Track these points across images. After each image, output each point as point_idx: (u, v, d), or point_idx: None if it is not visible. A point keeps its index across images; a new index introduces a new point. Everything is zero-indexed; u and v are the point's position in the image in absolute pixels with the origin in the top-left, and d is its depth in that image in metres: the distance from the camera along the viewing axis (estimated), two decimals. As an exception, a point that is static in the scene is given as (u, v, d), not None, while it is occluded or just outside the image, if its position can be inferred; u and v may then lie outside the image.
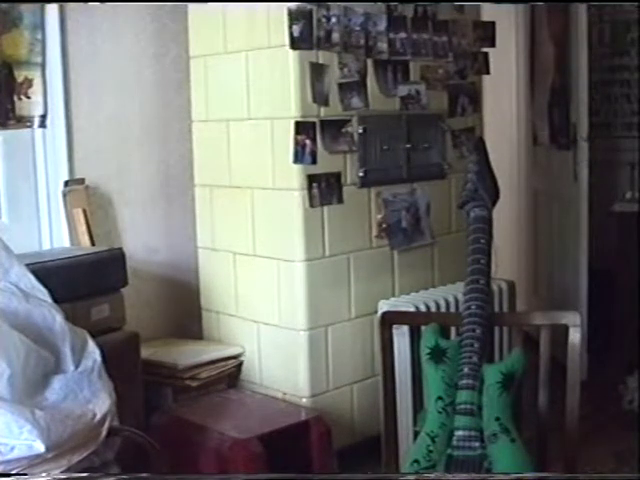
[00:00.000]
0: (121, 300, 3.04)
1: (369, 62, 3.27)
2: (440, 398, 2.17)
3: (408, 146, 3.40)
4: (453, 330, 2.44)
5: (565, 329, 2.28)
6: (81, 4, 3.24)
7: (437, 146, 3.53)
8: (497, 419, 2.11)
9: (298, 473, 2.86)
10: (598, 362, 4.28)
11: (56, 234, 3.27)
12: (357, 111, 3.24)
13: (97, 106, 3.34)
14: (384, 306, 3.23)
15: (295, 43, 3.05)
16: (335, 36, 3.14)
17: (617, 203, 4.83)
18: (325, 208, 3.19)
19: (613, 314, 4.52)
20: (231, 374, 3.39)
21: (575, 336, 2.26)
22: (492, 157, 2.44)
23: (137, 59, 3.45)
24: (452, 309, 3.26)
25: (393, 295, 3.39)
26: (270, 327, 3.31)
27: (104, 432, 2.23)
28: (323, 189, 3.16)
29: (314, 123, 3.12)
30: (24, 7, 3.09)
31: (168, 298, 3.58)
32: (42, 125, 3.20)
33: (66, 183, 3.24)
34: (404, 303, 3.26)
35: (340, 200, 3.22)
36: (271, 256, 3.26)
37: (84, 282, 2.90)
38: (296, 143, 3.09)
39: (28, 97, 3.14)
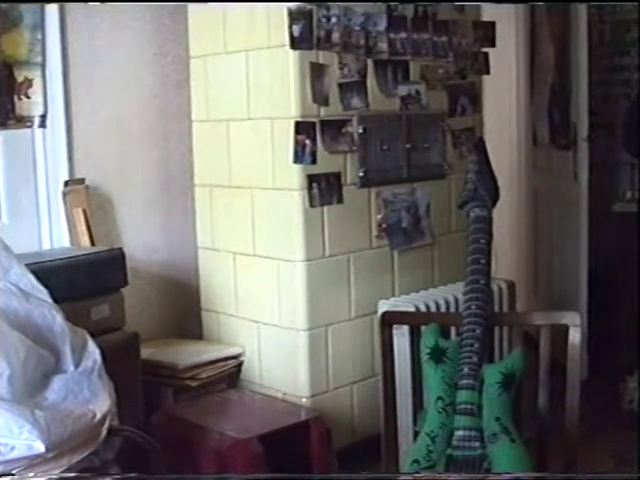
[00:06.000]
0: (121, 300, 3.04)
1: (369, 62, 3.27)
2: (440, 398, 2.17)
3: (408, 146, 3.40)
4: (453, 330, 2.44)
5: (565, 329, 2.28)
6: (81, 4, 3.24)
7: (437, 146, 3.53)
8: (497, 419, 2.11)
9: (298, 473, 2.86)
10: (598, 362, 4.28)
11: (56, 234, 3.27)
12: (357, 111, 3.24)
13: (97, 106, 3.34)
14: (384, 306, 3.23)
15: (295, 43, 3.05)
16: (335, 36, 3.14)
17: (617, 203, 4.84)
18: (325, 208, 3.19)
19: (613, 314, 4.53)
20: (231, 374, 3.39)
21: (575, 336, 2.26)
22: (492, 157, 2.44)
23: (137, 59, 3.45)
24: (452, 309, 3.26)
25: (393, 295, 3.39)
26: (270, 327, 3.31)
27: (104, 432, 2.23)
28: (323, 189, 3.16)
29: (314, 123, 3.12)
30: (24, 7, 3.09)
31: (168, 298, 3.58)
32: (42, 125, 3.20)
33: (66, 183, 3.24)
34: (404, 303, 3.26)
35: (340, 200, 3.22)
36: (271, 256, 3.26)
37: (84, 282, 2.90)
38: (296, 143, 3.09)
39: (28, 97, 3.14)
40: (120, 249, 3.13)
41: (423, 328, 2.31)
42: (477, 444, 2.10)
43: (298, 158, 3.10)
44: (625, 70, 5.40)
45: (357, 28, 3.21)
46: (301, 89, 3.08)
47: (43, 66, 3.17)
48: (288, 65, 3.08)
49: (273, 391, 3.31)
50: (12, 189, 3.22)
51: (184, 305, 3.62)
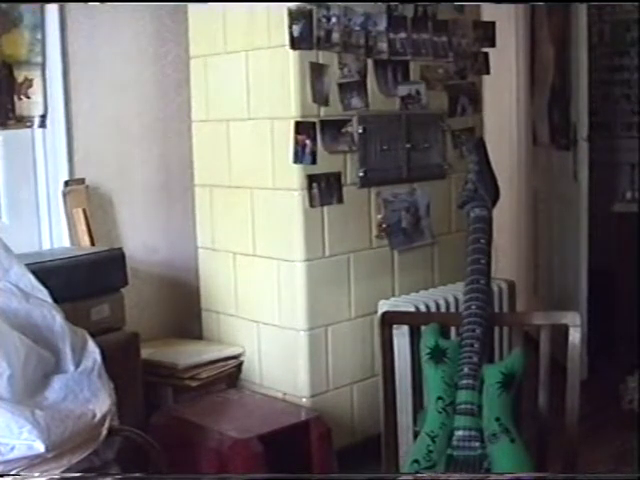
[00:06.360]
0: (121, 300, 3.04)
1: (369, 62, 3.27)
2: (440, 398, 2.17)
3: (408, 146, 3.40)
4: (453, 330, 2.44)
5: (565, 329, 2.28)
6: (81, 4, 3.24)
7: (437, 146, 3.53)
8: (497, 419, 2.11)
9: (298, 473, 2.86)
10: (598, 362, 4.28)
11: (56, 234, 3.27)
12: (357, 111, 3.24)
13: (97, 106, 3.34)
14: (384, 306, 3.23)
15: (295, 43, 3.05)
16: (335, 36, 3.14)
17: (617, 203, 4.84)
18: (325, 208, 3.19)
19: (613, 314, 4.53)
20: (231, 374, 3.39)
21: (575, 336, 2.26)
22: (492, 157, 2.44)
23: (137, 59, 3.46)
24: (452, 309, 3.26)
25: (393, 295, 3.39)
26: (270, 327, 3.31)
27: (104, 432, 2.23)
28: (323, 189, 3.16)
29: (314, 123, 3.12)
30: (24, 7, 3.09)
31: (168, 298, 3.58)
32: (42, 125, 3.20)
33: (66, 183, 3.24)
34: (404, 303, 3.26)
35: (340, 200, 3.22)
36: (271, 256, 3.26)
37: (84, 282, 2.90)
38: (296, 143, 3.09)
39: (28, 97, 3.14)
40: (120, 249, 3.13)
41: (423, 328, 2.31)
42: (477, 444, 2.10)
43: (298, 158, 3.10)
44: (625, 70, 5.40)
45: (357, 28, 3.21)
46: (301, 89, 3.08)
47: (43, 66, 3.17)
48: (288, 65, 3.08)
49: (273, 391, 3.31)
50: (12, 189, 3.22)
51: (184, 305, 3.62)
